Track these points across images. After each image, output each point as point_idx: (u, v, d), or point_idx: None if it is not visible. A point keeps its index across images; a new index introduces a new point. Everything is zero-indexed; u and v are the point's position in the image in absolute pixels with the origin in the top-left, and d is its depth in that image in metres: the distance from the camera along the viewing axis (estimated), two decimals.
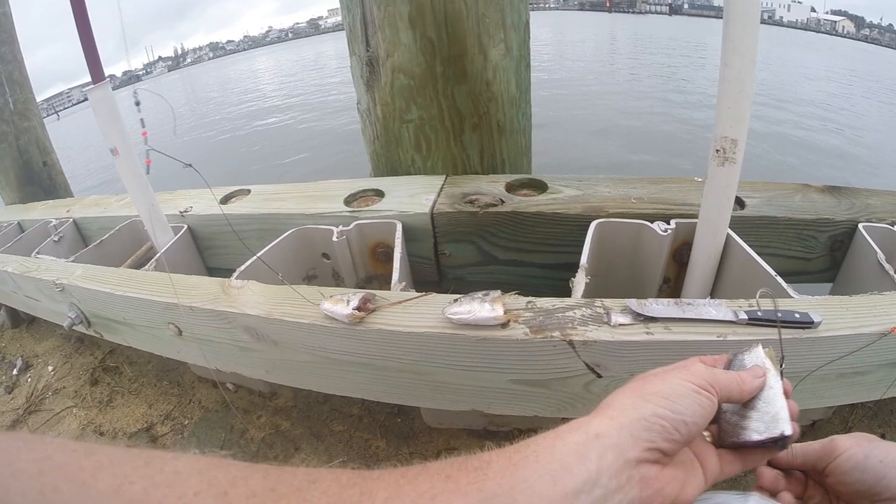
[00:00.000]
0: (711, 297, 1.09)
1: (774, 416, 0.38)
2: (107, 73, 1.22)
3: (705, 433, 0.42)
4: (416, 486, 0.29)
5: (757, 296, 0.44)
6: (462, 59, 1.28)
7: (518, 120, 1.45)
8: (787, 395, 0.40)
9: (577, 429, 0.35)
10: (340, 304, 0.84)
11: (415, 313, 0.84)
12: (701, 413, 0.36)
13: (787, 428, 0.37)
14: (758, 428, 0.39)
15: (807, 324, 0.71)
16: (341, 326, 0.84)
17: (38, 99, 2.88)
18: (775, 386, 0.40)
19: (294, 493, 0.26)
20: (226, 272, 1.12)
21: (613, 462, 0.32)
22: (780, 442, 0.38)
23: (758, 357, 0.42)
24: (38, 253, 1.55)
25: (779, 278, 0.89)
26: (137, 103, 1.12)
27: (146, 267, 1.28)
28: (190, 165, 1.09)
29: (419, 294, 0.88)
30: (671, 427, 0.34)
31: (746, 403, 0.40)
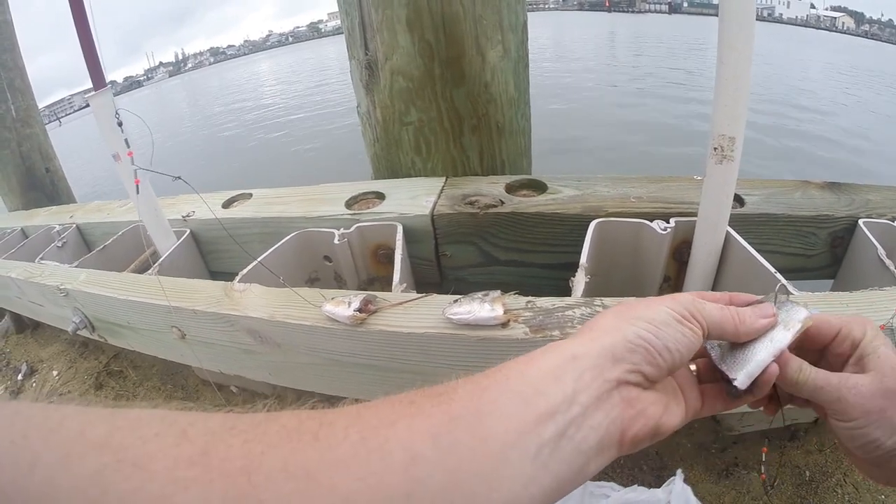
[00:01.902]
0: None
1: (744, 361, 0.37)
2: (108, 79, 1.23)
3: (691, 366, 0.41)
4: (377, 413, 0.29)
5: (776, 289, 0.42)
6: (460, 61, 1.29)
7: (517, 121, 1.45)
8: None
9: (553, 351, 0.33)
10: (342, 305, 0.84)
11: (415, 314, 0.84)
12: (685, 343, 0.34)
13: (741, 381, 0.36)
14: (727, 361, 0.38)
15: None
16: (343, 328, 0.85)
17: (40, 105, 2.89)
18: (776, 342, 0.37)
19: (252, 428, 0.26)
20: (229, 276, 1.13)
21: (592, 381, 0.31)
22: (730, 387, 0.37)
23: (791, 313, 0.39)
24: (41, 258, 1.56)
25: (779, 275, 0.89)
26: (120, 124, 1.13)
27: (149, 272, 1.29)
28: (179, 178, 1.10)
29: (420, 295, 0.89)
30: (655, 351, 0.33)
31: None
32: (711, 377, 0.41)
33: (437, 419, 0.28)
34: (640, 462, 1.17)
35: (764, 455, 1.12)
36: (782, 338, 0.38)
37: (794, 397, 0.40)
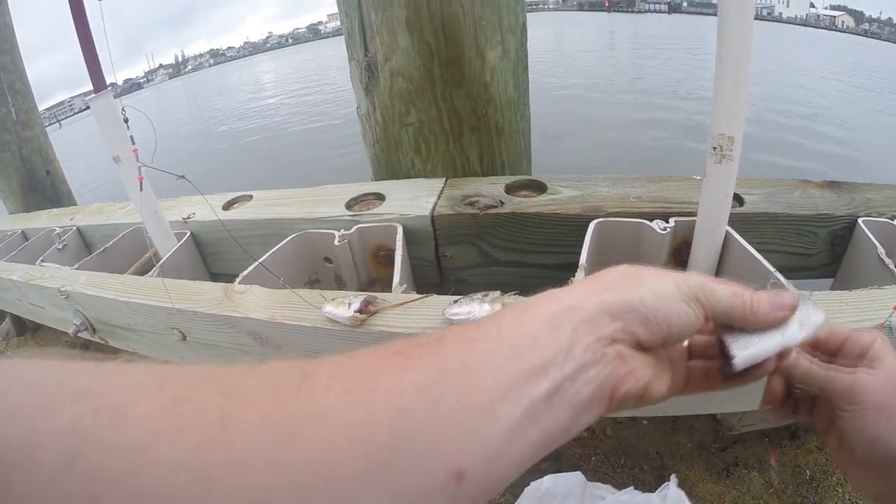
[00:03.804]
0: None
1: (749, 343, 0.35)
2: (108, 81, 1.23)
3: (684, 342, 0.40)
4: (361, 364, 0.27)
5: (769, 286, 0.42)
6: (460, 61, 1.29)
7: (516, 122, 1.45)
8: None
9: (550, 299, 0.32)
10: (342, 306, 0.84)
11: (416, 315, 0.84)
12: (686, 321, 0.33)
13: (739, 361, 0.35)
14: (734, 334, 0.36)
15: None
16: (343, 329, 0.85)
17: (41, 108, 2.90)
18: (787, 336, 0.35)
19: (232, 378, 0.25)
20: (229, 277, 1.13)
21: (587, 335, 0.30)
22: (726, 363, 0.36)
23: (811, 313, 0.37)
24: (42, 261, 1.56)
25: (779, 274, 0.89)
26: (126, 120, 1.14)
27: (150, 273, 1.29)
28: (182, 177, 1.10)
29: (420, 296, 0.89)
30: (654, 321, 0.32)
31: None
32: (702, 354, 0.40)
33: (424, 371, 0.27)
34: (640, 462, 1.17)
35: (775, 464, 1.12)
36: (794, 334, 0.36)
37: (802, 406, 0.42)
